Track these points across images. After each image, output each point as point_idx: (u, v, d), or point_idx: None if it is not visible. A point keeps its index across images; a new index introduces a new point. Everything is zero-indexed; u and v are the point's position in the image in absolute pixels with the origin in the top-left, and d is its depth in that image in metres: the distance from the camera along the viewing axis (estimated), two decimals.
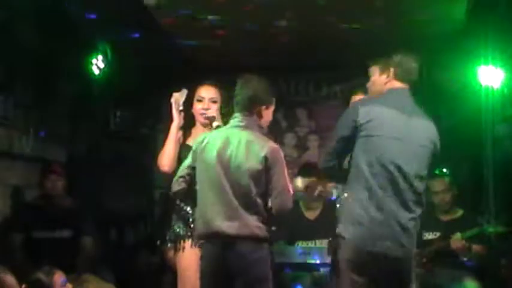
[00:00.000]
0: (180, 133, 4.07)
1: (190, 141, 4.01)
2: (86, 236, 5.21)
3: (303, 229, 5.15)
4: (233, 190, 3.44)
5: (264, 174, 3.44)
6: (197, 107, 4.07)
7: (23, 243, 5.03)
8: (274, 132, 7.14)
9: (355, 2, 5.26)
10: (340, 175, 3.49)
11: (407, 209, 3.29)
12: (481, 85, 5.62)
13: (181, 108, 4.02)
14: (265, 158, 3.43)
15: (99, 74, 5.80)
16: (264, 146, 3.46)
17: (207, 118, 4.00)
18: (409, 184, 3.30)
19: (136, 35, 5.69)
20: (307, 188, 5.22)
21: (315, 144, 7.22)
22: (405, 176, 3.29)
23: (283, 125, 7.28)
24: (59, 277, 3.77)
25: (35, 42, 5.29)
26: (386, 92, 3.48)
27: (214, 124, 3.94)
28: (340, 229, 3.36)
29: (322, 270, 4.75)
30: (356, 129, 3.33)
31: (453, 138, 4.80)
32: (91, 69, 5.79)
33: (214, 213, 3.46)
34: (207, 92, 4.08)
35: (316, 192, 5.20)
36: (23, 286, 3.65)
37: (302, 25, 5.75)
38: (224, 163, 3.47)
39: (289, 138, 7.28)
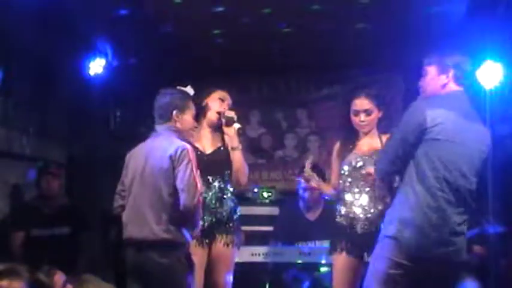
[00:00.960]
0: None
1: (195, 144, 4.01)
2: (85, 236, 5.22)
3: (302, 230, 5.16)
4: (145, 195, 3.55)
5: (172, 174, 3.50)
6: (217, 105, 4.09)
7: (23, 243, 5.04)
8: (274, 132, 7.19)
9: (355, 2, 5.26)
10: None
11: (463, 213, 3.26)
12: (481, 85, 5.62)
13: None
14: (171, 157, 3.50)
15: (99, 74, 5.80)
16: (170, 147, 3.54)
17: (226, 117, 4.03)
18: (468, 190, 3.26)
19: (137, 35, 5.69)
20: (309, 188, 5.21)
21: (315, 144, 7.22)
22: (466, 181, 3.25)
23: (283, 126, 7.29)
24: (59, 277, 3.77)
25: (35, 42, 5.29)
26: (447, 95, 3.39)
27: (236, 126, 3.99)
28: (392, 230, 3.26)
29: (323, 270, 4.75)
30: (422, 133, 3.23)
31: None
32: (91, 69, 5.79)
33: (129, 218, 3.62)
34: (227, 97, 4.15)
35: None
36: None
37: (302, 25, 5.75)
38: (139, 170, 3.61)
39: (290, 139, 7.28)
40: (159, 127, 3.69)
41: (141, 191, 3.57)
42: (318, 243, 4.91)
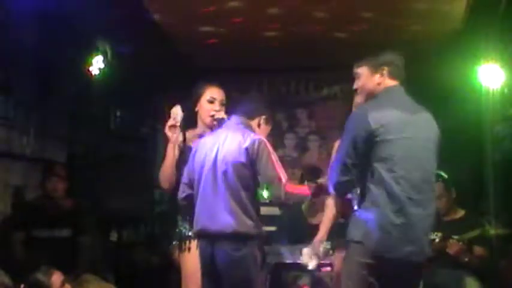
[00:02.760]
0: (180, 139, 4.06)
1: (191, 143, 4.00)
2: (85, 236, 5.22)
3: (305, 234, 5.14)
4: (218, 187, 3.50)
5: (249, 167, 3.48)
6: (207, 108, 4.03)
7: (23, 243, 5.04)
8: (274, 132, 7.19)
9: (355, 2, 5.26)
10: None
11: (426, 208, 3.25)
12: (481, 85, 5.61)
13: (178, 124, 3.97)
14: (247, 150, 3.48)
15: (99, 74, 5.80)
16: (246, 139, 3.51)
17: (216, 119, 3.99)
18: (427, 183, 3.27)
19: (136, 35, 5.68)
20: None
21: (315, 144, 7.22)
22: (424, 175, 3.25)
23: (283, 126, 7.28)
24: (57, 277, 3.77)
25: (35, 42, 5.29)
26: (384, 92, 3.42)
27: None
28: (355, 234, 3.28)
29: (323, 270, 4.74)
30: (369, 137, 3.22)
31: (453, 139, 4.79)
32: (91, 69, 5.78)
33: (201, 210, 3.54)
34: (219, 94, 4.08)
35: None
36: (22, 286, 3.65)
37: (302, 25, 5.75)
38: (210, 161, 3.55)
39: (290, 139, 7.28)
40: (235, 118, 3.70)
41: (212, 183, 3.52)
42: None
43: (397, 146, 3.23)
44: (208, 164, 3.56)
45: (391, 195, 3.19)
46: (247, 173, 3.49)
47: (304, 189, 3.97)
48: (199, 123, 4.10)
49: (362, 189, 3.31)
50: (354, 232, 3.29)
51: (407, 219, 3.19)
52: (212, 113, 4.01)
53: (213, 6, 5.32)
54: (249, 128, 3.66)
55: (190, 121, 4.13)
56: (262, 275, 3.54)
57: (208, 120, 4.02)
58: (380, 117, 3.24)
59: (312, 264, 3.82)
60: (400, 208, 3.19)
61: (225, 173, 3.50)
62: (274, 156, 3.54)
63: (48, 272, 3.77)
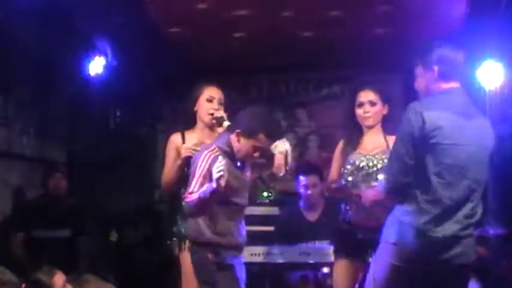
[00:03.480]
0: (180, 143, 4.07)
1: (189, 143, 4.01)
2: (86, 236, 5.22)
3: (303, 231, 5.15)
4: None
5: None
6: (206, 107, 4.06)
7: (24, 243, 5.04)
8: None
9: (354, 2, 5.26)
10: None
11: (472, 216, 3.13)
12: (481, 85, 5.61)
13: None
14: None
15: (99, 74, 5.80)
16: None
17: (215, 118, 4.00)
18: (477, 191, 3.13)
19: (137, 35, 5.69)
20: (310, 186, 5.21)
21: (315, 144, 7.22)
22: (473, 183, 3.11)
23: (283, 126, 7.28)
24: (59, 277, 3.76)
25: (35, 42, 5.29)
26: (440, 94, 3.20)
27: (226, 124, 3.94)
28: (393, 236, 3.16)
29: (323, 270, 4.75)
30: (422, 137, 3.06)
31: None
32: (91, 69, 5.79)
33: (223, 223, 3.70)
34: (217, 93, 4.10)
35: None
36: (23, 286, 3.65)
37: (302, 25, 5.75)
38: None
39: (290, 139, 7.24)
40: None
41: None
42: (318, 243, 4.90)
43: (448, 151, 3.07)
44: None
45: (435, 201, 3.07)
46: None
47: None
48: (199, 122, 4.11)
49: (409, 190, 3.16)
50: (390, 232, 3.18)
51: (448, 227, 3.07)
52: (211, 111, 4.03)
53: (212, 6, 5.32)
54: (226, 143, 3.63)
55: (189, 121, 4.15)
56: (218, 276, 3.59)
57: (207, 118, 4.04)
58: (435, 119, 3.05)
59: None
60: (441, 215, 3.07)
61: None
62: (200, 168, 3.53)
63: (50, 272, 3.76)
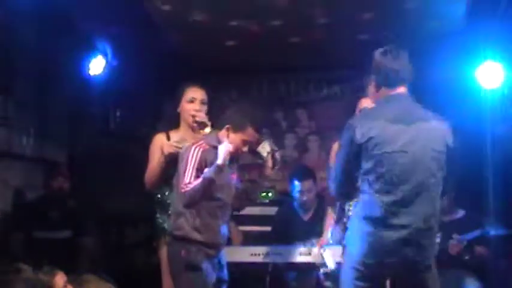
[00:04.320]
0: (165, 141, 4.11)
1: (173, 143, 4.02)
2: (86, 236, 5.22)
3: (299, 230, 5.17)
4: None
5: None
6: (187, 108, 4.10)
7: (24, 243, 5.04)
8: (274, 132, 7.18)
9: (354, 3, 5.26)
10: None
11: (416, 221, 3.15)
12: (481, 85, 5.62)
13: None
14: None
15: (99, 74, 5.80)
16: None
17: (197, 122, 4.01)
18: (418, 195, 3.15)
19: (137, 35, 5.69)
20: (305, 191, 5.24)
21: (315, 144, 7.22)
22: (416, 188, 3.14)
23: (283, 126, 7.28)
24: (60, 278, 3.76)
25: (35, 42, 5.29)
26: (380, 103, 3.27)
27: (207, 130, 3.97)
28: (349, 241, 3.32)
29: (322, 270, 4.75)
30: (358, 149, 3.16)
31: (453, 139, 4.78)
32: (91, 69, 5.78)
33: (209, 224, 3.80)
34: (199, 94, 4.13)
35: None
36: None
37: (302, 26, 5.75)
38: None
39: (290, 139, 7.28)
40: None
41: None
42: (314, 241, 4.91)
43: (382, 159, 3.12)
44: None
45: (375, 207, 3.15)
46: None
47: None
48: (182, 123, 4.14)
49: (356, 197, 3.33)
50: (348, 238, 3.35)
51: (389, 231, 3.13)
52: (192, 112, 4.05)
53: (213, 6, 5.32)
54: (214, 139, 3.77)
55: (174, 122, 4.18)
56: (186, 275, 3.65)
57: (189, 120, 4.06)
58: (367, 130, 3.13)
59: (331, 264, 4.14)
60: (382, 220, 3.14)
61: None
62: (191, 161, 3.63)
63: (51, 272, 3.76)
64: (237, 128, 3.73)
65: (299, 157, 7.16)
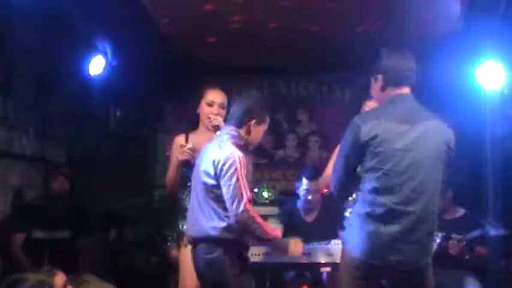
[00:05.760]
0: (183, 143, 4.10)
1: (187, 149, 4.02)
2: (86, 236, 5.22)
3: (301, 232, 5.15)
4: (199, 195, 3.60)
5: (216, 180, 3.51)
6: (205, 111, 4.09)
7: (24, 243, 5.04)
8: (275, 133, 7.19)
9: (354, 3, 5.26)
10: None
11: (417, 220, 3.16)
12: (480, 85, 5.61)
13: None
14: (214, 164, 3.50)
15: (99, 74, 5.80)
16: (219, 153, 3.51)
17: (214, 126, 4.01)
18: (418, 193, 3.16)
19: (136, 35, 5.69)
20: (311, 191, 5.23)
21: (316, 145, 7.22)
22: (416, 186, 3.15)
23: (284, 126, 7.28)
24: (60, 278, 3.76)
25: (35, 42, 5.29)
26: (386, 103, 3.29)
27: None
28: (347, 240, 3.33)
29: (322, 270, 4.75)
30: (361, 147, 3.17)
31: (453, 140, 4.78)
32: (91, 69, 5.79)
33: (188, 217, 3.72)
34: (218, 97, 4.11)
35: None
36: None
37: (303, 27, 5.75)
38: (197, 170, 3.64)
39: (291, 139, 7.28)
40: (229, 130, 3.64)
41: (196, 189, 3.64)
42: (316, 244, 4.91)
43: (386, 158, 3.14)
44: (196, 172, 3.67)
45: (376, 205, 3.16)
46: (216, 185, 3.52)
47: (273, 230, 3.76)
48: (201, 124, 4.12)
49: (358, 194, 3.32)
50: (346, 237, 3.36)
51: (390, 229, 3.14)
52: (210, 116, 4.04)
53: (213, 6, 5.32)
54: (237, 137, 3.61)
55: (192, 122, 4.17)
56: (238, 279, 3.57)
57: (206, 122, 4.06)
58: (371, 129, 3.15)
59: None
60: (383, 218, 3.15)
61: (204, 183, 3.57)
62: (241, 173, 3.48)
63: (51, 272, 3.76)
64: (260, 121, 3.67)
65: (300, 157, 7.16)
